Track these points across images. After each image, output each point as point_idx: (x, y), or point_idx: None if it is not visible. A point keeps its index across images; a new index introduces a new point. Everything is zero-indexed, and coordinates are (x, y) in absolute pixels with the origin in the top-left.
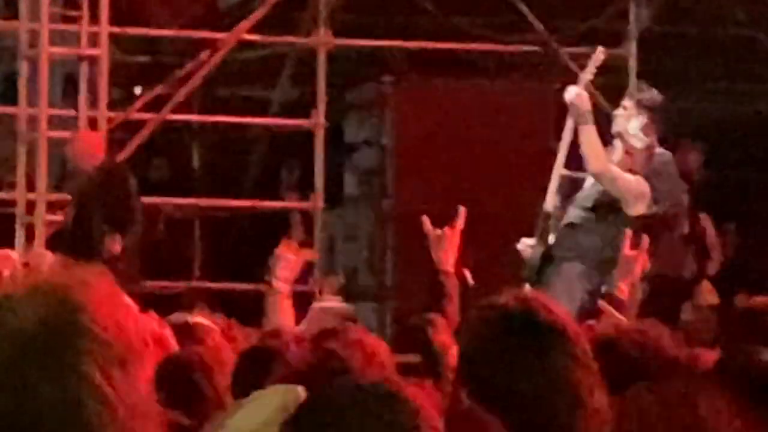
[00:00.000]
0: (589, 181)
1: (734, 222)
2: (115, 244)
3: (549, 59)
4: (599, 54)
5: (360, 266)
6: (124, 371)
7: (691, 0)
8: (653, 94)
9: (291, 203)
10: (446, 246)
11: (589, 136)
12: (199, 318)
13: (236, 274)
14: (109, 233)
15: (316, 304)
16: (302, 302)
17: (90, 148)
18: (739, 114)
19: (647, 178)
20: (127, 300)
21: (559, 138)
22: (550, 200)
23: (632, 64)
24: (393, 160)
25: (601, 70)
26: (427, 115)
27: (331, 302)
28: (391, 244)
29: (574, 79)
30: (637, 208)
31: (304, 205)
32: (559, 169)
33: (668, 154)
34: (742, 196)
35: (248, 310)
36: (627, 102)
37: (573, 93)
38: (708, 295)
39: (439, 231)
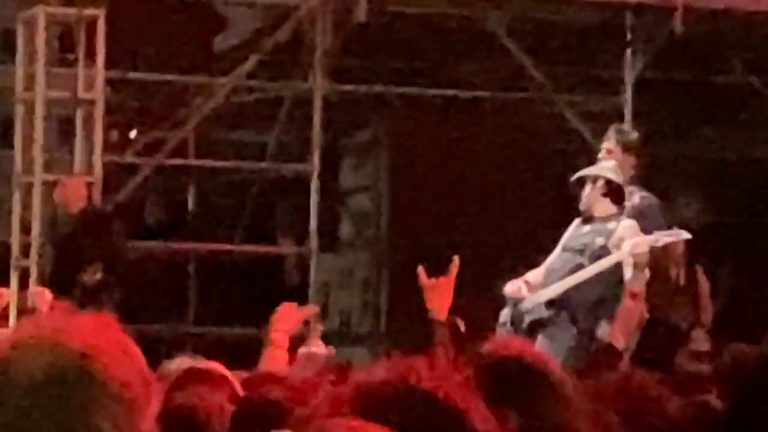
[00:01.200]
0: (576, 227)
1: (730, 266)
2: (94, 274)
3: (546, 106)
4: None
5: (355, 311)
6: (130, 421)
7: (686, 47)
8: (631, 134)
9: (286, 248)
10: (440, 295)
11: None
12: (208, 364)
13: (231, 318)
14: (90, 264)
15: (301, 350)
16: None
17: (75, 193)
18: (735, 160)
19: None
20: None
21: (558, 184)
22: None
23: (627, 110)
24: (388, 205)
25: (597, 116)
26: (423, 160)
27: (316, 347)
28: (385, 289)
29: (569, 125)
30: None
31: (298, 249)
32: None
33: (654, 198)
34: (739, 240)
35: (242, 354)
36: (607, 145)
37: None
38: (702, 341)
39: (433, 280)
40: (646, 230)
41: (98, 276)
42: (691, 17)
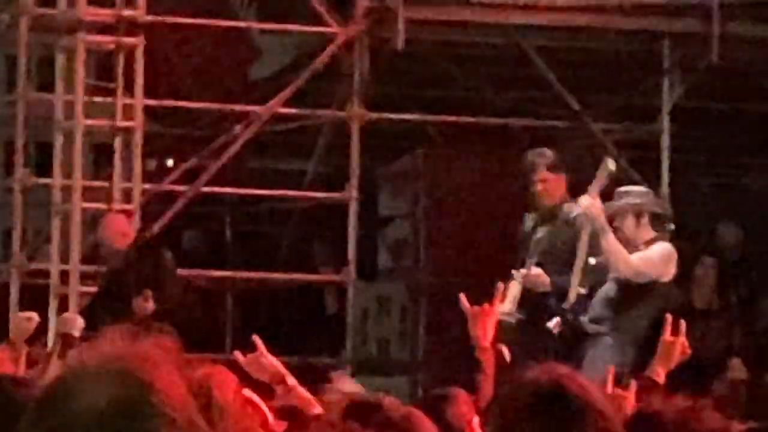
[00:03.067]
0: None
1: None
2: (147, 303)
3: (583, 134)
4: (608, 163)
5: (392, 339)
6: None
7: (723, 75)
8: (547, 154)
9: (324, 276)
10: (483, 322)
11: (611, 244)
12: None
13: (269, 347)
14: (142, 293)
15: (330, 386)
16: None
17: (120, 230)
18: None
19: (573, 242)
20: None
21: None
22: (572, 296)
23: (665, 139)
24: (426, 233)
25: (634, 145)
26: (460, 187)
27: (347, 383)
28: (423, 317)
29: (606, 154)
30: (669, 271)
31: (337, 278)
32: (578, 274)
33: None
34: None
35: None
36: (539, 176)
37: (586, 203)
38: (738, 370)
39: (476, 308)
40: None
41: (150, 305)
42: (728, 46)
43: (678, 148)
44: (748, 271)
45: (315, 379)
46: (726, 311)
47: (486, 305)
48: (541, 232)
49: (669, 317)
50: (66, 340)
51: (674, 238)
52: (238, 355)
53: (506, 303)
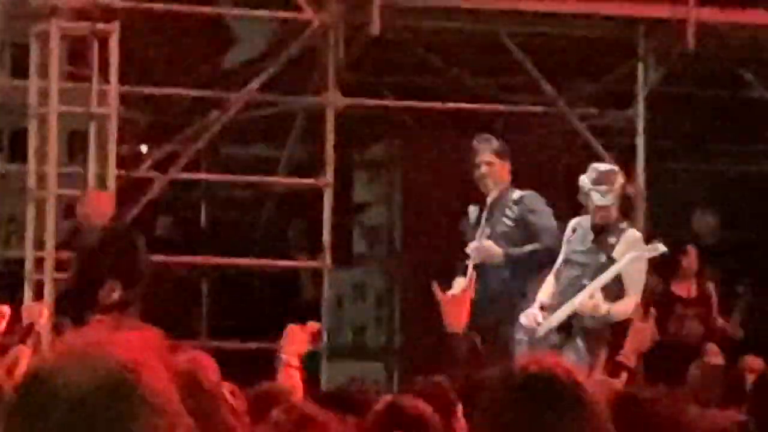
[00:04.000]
0: (579, 232)
1: (747, 283)
2: (112, 292)
3: (558, 120)
4: (659, 248)
5: (368, 325)
6: None
7: (699, 62)
8: (492, 141)
9: (299, 262)
10: (457, 309)
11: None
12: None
13: (244, 333)
14: (108, 282)
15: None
16: (311, 360)
17: (101, 207)
18: (749, 174)
19: (523, 220)
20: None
21: (570, 198)
22: (542, 331)
23: (640, 125)
24: (401, 219)
25: (609, 131)
26: (436, 174)
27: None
28: (399, 303)
29: (581, 140)
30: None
31: (312, 264)
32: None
33: (533, 193)
34: (756, 257)
35: (256, 368)
36: (484, 158)
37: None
38: (714, 356)
39: (449, 295)
40: (539, 225)
41: (116, 295)
42: (703, 32)
43: (653, 134)
44: (724, 257)
45: None
46: (706, 298)
47: (458, 292)
48: (488, 221)
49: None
50: (31, 329)
51: (651, 226)
52: None
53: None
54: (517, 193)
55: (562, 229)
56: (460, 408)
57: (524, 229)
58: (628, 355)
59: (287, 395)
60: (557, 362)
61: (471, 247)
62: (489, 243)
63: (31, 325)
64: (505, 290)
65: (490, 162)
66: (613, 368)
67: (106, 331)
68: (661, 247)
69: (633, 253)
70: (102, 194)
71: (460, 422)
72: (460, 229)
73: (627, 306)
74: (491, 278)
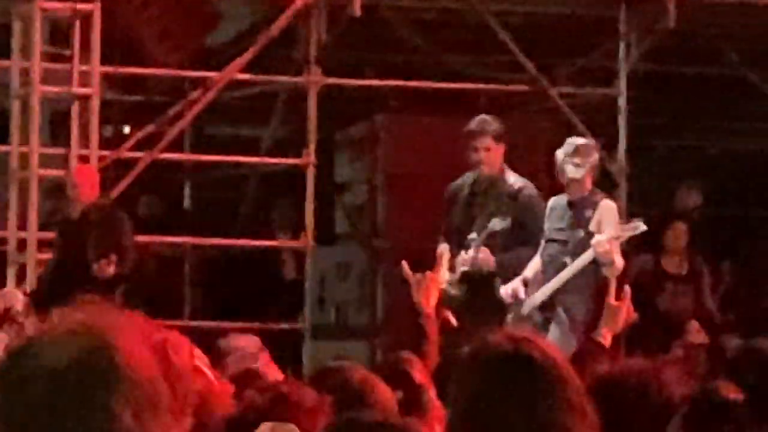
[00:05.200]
0: (558, 209)
1: (730, 259)
2: (109, 267)
3: (540, 98)
4: (639, 226)
5: (351, 304)
6: (155, 413)
7: (681, 39)
8: (493, 124)
9: (282, 242)
10: (427, 289)
11: (616, 270)
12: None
13: (227, 312)
14: (105, 256)
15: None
16: (293, 340)
17: (88, 180)
18: (733, 152)
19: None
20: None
21: (551, 174)
22: (526, 309)
23: (622, 103)
24: (384, 198)
25: (591, 108)
26: (418, 153)
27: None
28: (381, 282)
29: (563, 118)
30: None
31: (294, 243)
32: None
33: (530, 188)
34: (739, 233)
35: None
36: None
37: (602, 249)
38: (697, 334)
39: (419, 275)
40: (530, 218)
41: (112, 269)
42: (684, 9)
43: (635, 112)
44: (707, 234)
45: (274, 345)
46: (697, 275)
47: (428, 272)
48: (481, 203)
49: (613, 281)
50: (7, 314)
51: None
52: None
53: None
54: (513, 181)
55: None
56: (431, 387)
57: (520, 230)
58: (604, 334)
59: (264, 376)
60: (531, 339)
61: (465, 258)
62: (486, 252)
63: (7, 311)
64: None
65: (489, 147)
66: (589, 348)
67: (88, 310)
68: (641, 226)
69: (611, 231)
70: (90, 167)
71: (433, 402)
72: (445, 197)
73: (619, 264)
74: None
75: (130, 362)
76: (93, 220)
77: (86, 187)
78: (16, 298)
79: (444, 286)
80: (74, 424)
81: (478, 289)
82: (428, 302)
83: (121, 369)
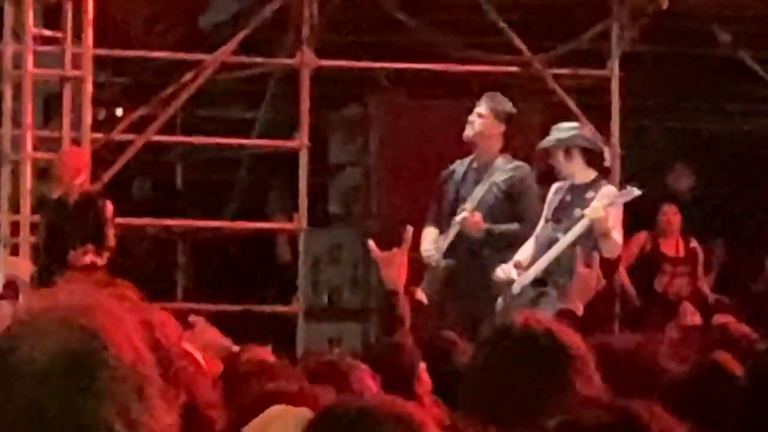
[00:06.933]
0: (559, 193)
1: (722, 239)
2: (84, 255)
3: (533, 80)
4: (633, 191)
5: (344, 286)
6: (143, 401)
7: (674, 20)
8: (504, 104)
9: (275, 224)
10: (395, 267)
11: (612, 241)
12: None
13: (220, 295)
14: (82, 244)
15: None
16: (287, 322)
17: (75, 163)
18: (724, 133)
19: (512, 199)
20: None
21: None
22: (517, 287)
23: (615, 84)
24: (377, 180)
25: (584, 90)
26: (411, 134)
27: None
28: (375, 264)
29: (556, 99)
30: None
31: (288, 225)
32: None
33: (527, 169)
34: (731, 213)
35: (232, 330)
36: (479, 109)
37: (595, 216)
38: (690, 314)
39: (386, 253)
40: (525, 207)
41: (88, 258)
42: None
43: (629, 93)
44: (699, 215)
45: (267, 328)
46: (693, 257)
47: (395, 249)
48: (474, 180)
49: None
50: (12, 284)
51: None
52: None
53: (425, 243)
54: (508, 160)
55: (543, 193)
56: (422, 365)
57: (511, 208)
58: (577, 304)
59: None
60: (543, 320)
61: (459, 217)
62: (478, 216)
63: (13, 281)
64: (479, 263)
65: (482, 114)
66: (562, 317)
67: (77, 292)
68: (635, 191)
69: (605, 199)
70: (78, 150)
71: (424, 382)
72: (440, 180)
73: (617, 240)
74: (464, 250)
75: (118, 349)
76: (71, 207)
77: (70, 169)
78: (21, 267)
79: (430, 257)
80: (60, 416)
81: (464, 261)
82: (397, 280)
83: (108, 357)
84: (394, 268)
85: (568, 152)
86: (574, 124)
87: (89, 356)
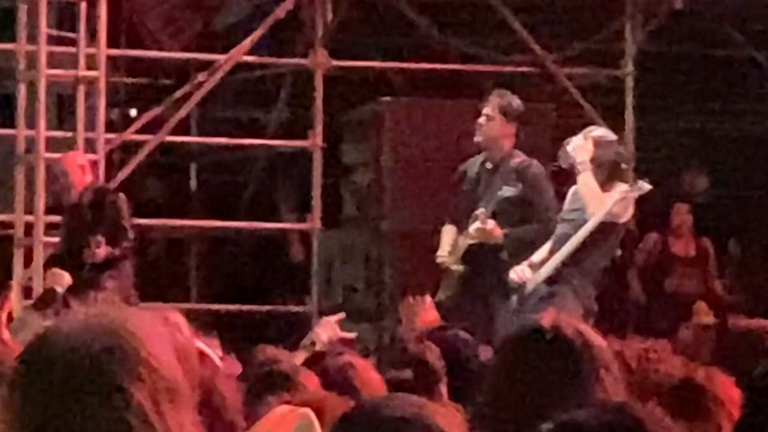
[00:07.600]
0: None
1: (737, 241)
2: (98, 249)
3: (546, 80)
4: (643, 186)
5: (358, 286)
6: (173, 403)
7: (688, 20)
8: (513, 102)
9: (288, 224)
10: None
11: (587, 181)
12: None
13: (234, 296)
14: (93, 238)
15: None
16: (301, 323)
17: (76, 164)
18: (739, 134)
19: (526, 196)
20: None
21: (557, 156)
22: (530, 287)
23: (629, 84)
24: (390, 180)
25: (598, 90)
26: (424, 135)
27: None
28: (388, 264)
29: (570, 99)
30: (627, 213)
31: (301, 225)
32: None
33: (537, 167)
34: (744, 215)
35: (245, 331)
36: (487, 111)
37: (573, 145)
38: (704, 315)
39: (408, 300)
40: (539, 205)
41: (101, 252)
42: None
43: (642, 93)
44: (714, 216)
45: (280, 328)
46: (704, 257)
47: (418, 297)
48: (487, 181)
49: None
50: (48, 295)
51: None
52: None
53: (443, 248)
54: (520, 160)
55: (558, 191)
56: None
57: (526, 208)
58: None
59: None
60: (567, 320)
61: (473, 229)
62: (492, 223)
63: (50, 291)
64: (496, 267)
65: (489, 116)
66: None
67: (112, 306)
68: (645, 186)
69: (617, 195)
70: (76, 153)
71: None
72: (456, 180)
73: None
74: (481, 254)
75: (150, 349)
76: (86, 204)
77: (77, 174)
78: (62, 280)
79: (445, 262)
80: (94, 408)
81: (481, 265)
82: (427, 322)
83: (140, 354)
84: (418, 314)
85: (598, 167)
86: (604, 133)
87: (126, 351)
